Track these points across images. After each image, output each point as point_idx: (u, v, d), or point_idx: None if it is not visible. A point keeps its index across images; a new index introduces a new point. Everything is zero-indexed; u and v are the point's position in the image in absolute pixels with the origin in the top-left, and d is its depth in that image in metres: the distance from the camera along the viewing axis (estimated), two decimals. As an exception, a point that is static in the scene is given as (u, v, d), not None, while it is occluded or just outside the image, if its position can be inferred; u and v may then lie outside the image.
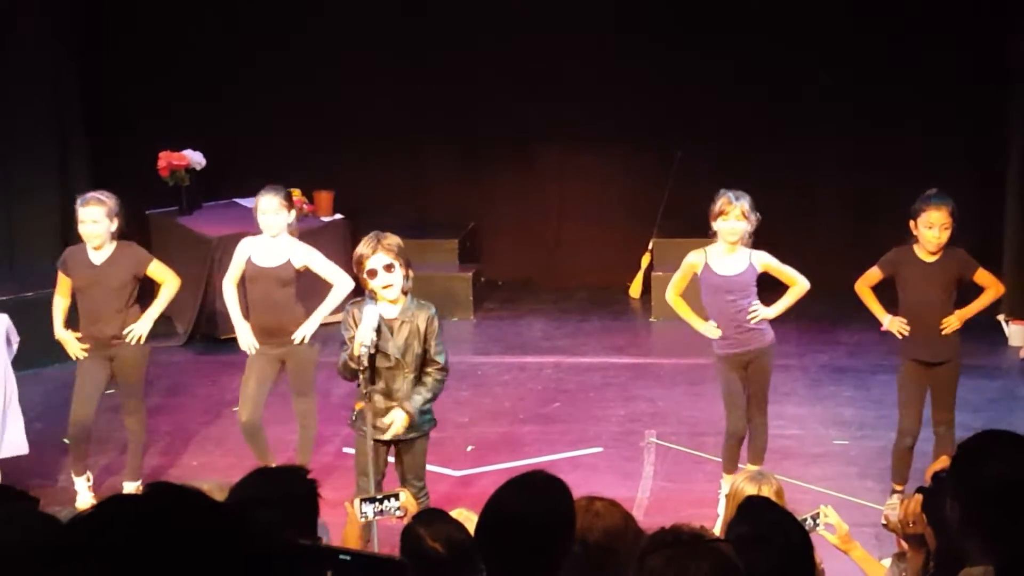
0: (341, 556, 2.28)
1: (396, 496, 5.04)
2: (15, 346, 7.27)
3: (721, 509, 6.64)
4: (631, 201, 11.34)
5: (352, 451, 6.68)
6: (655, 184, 11.05)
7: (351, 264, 6.30)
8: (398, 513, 4.94)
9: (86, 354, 7.18)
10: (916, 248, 6.91)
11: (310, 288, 7.41)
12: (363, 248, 6.17)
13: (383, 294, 6.14)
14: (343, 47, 11.18)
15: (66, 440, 7.77)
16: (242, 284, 7.40)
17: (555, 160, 11.53)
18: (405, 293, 6.22)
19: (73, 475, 7.39)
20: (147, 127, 10.83)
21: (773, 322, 7.08)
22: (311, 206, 10.47)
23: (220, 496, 3.57)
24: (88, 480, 7.41)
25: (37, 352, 8.54)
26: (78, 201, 7.14)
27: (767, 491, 4.71)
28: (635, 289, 11.08)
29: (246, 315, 7.23)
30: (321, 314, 7.17)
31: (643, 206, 11.13)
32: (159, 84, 11.06)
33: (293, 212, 7.24)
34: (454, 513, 4.12)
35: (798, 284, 7.06)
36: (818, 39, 10.77)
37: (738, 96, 10.92)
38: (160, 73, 11.09)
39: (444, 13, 11.11)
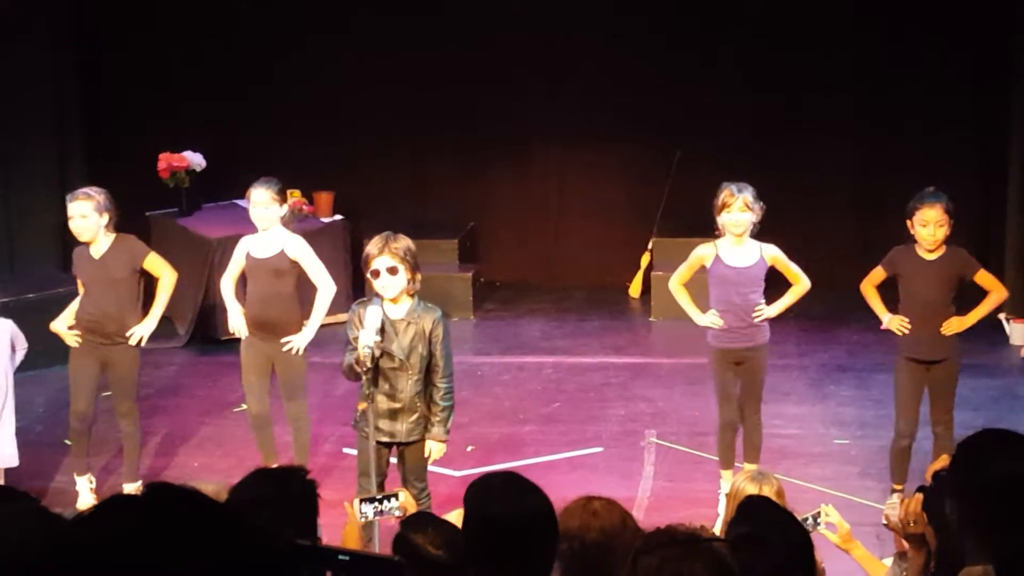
0: (340, 556, 2.28)
1: (395, 496, 5.04)
2: (21, 352, 7.26)
3: (721, 509, 6.64)
4: (631, 201, 11.34)
5: (352, 452, 6.69)
6: (655, 183, 11.04)
7: (351, 263, 6.32)
8: (397, 513, 4.94)
9: (79, 342, 7.19)
10: (917, 247, 6.92)
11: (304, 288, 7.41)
12: (372, 247, 6.17)
13: (383, 293, 6.14)
14: (343, 48, 11.18)
15: (67, 442, 7.77)
16: (243, 282, 7.41)
17: (554, 160, 11.54)
18: (412, 295, 6.21)
19: (75, 475, 7.39)
20: (147, 128, 10.83)
21: (773, 321, 7.09)
22: (311, 207, 10.47)
23: (220, 497, 3.57)
24: (91, 482, 7.41)
25: (38, 354, 8.51)
26: (68, 197, 7.15)
27: (767, 491, 4.71)
28: (635, 289, 11.08)
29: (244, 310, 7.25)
30: (314, 325, 7.18)
31: (642, 205, 11.13)
32: (159, 86, 11.06)
33: (286, 206, 7.24)
34: (454, 515, 4.12)
35: (800, 283, 7.07)
36: (820, 38, 10.78)
37: (738, 95, 10.92)
38: (160, 75, 11.09)
39: (444, 14, 11.11)
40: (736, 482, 5.00)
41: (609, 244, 11.35)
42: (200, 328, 10.15)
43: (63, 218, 7.28)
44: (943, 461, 4.48)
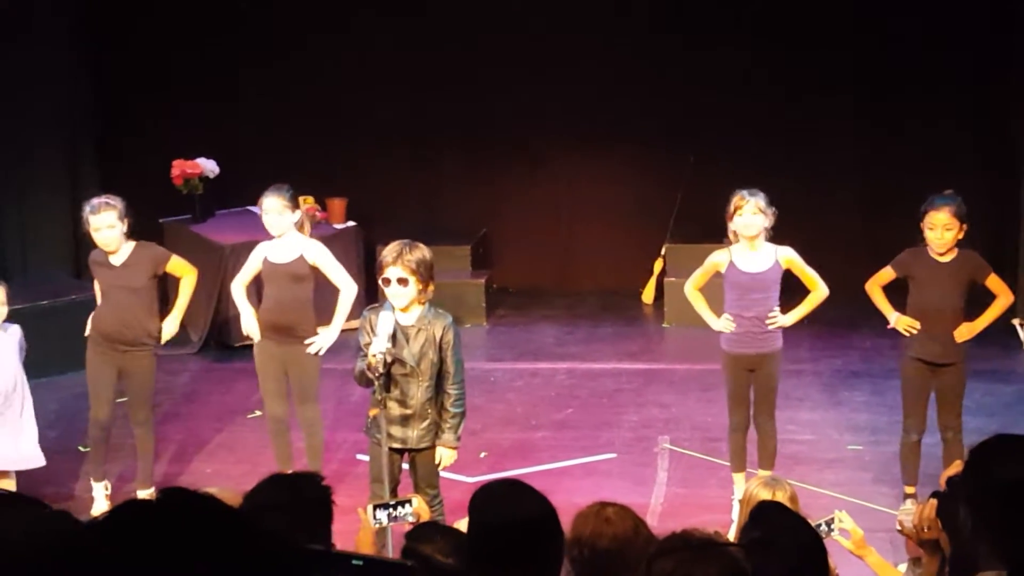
0: (353, 561, 2.29)
1: (409, 502, 5.04)
2: (23, 354, 7.29)
3: (735, 514, 6.62)
4: (643, 206, 11.34)
5: (365, 457, 6.69)
6: (667, 189, 11.04)
7: (364, 269, 6.33)
8: (411, 519, 4.94)
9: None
10: (928, 249, 6.91)
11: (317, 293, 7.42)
12: (387, 255, 6.13)
13: (392, 301, 6.14)
14: (355, 54, 11.21)
15: (82, 448, 7.79)
16: (255, 287, 7.42)
17: (567, 166, 11.54)
18: (423, 303, 6.21)
19: (92, 480, 7.41)
20: (160, 135, 10.86)
21: (789, 326, 7.07)
22: (324, 213, 10.49)
23: (234, 503, 3.58)
24: (107, 488, 7.42)
25: (51, 360, 8.56)
26: (86, 209, 7.12)
27: (781, 496, 4.71)
28: (648, 295, 11.07)
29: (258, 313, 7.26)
30: (337, 325, 7.17)
31: (655, 211, 11.13)
32: (172, 92, 11.10)
33: (299, 212, 7.22)
34: (463, 523, 4.12)
35: (818, 290, 7.05)
36: (828, 40, 10.78)
37: (750, 99, 10.92)
38: (172, 81, 11.12)
39: (455, 19, 11.13)
40: (749, 488, 4.99)
41: (622, 250, 11.34)
42: (213, 335, 10.18)
43: (76, 225, 7.29)
44: (956, 467, 4.47)
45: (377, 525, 5.00)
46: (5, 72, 10.16)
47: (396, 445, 6.21)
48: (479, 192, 11.57)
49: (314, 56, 11.21)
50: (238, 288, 7.34)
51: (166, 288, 7.48)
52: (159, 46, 11.11)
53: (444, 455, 6.29)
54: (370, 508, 5.00)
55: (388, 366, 6.01)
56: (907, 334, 6.99)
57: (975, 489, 2.59)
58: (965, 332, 6.90)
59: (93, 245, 7.26)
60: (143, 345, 7.23)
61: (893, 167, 10.86)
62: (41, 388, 7.37)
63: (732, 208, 6.87)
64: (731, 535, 5.73)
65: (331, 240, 9.65)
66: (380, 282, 6.17)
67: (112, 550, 1.70)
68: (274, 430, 7.33)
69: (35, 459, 7.15)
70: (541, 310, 11.08)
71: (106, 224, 7.05)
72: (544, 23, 11.09)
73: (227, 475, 7.73)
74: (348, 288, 7.21)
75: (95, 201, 7.14)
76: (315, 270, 7.20)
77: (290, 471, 6.89)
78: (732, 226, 6.91)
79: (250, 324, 7.22)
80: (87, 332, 7.28)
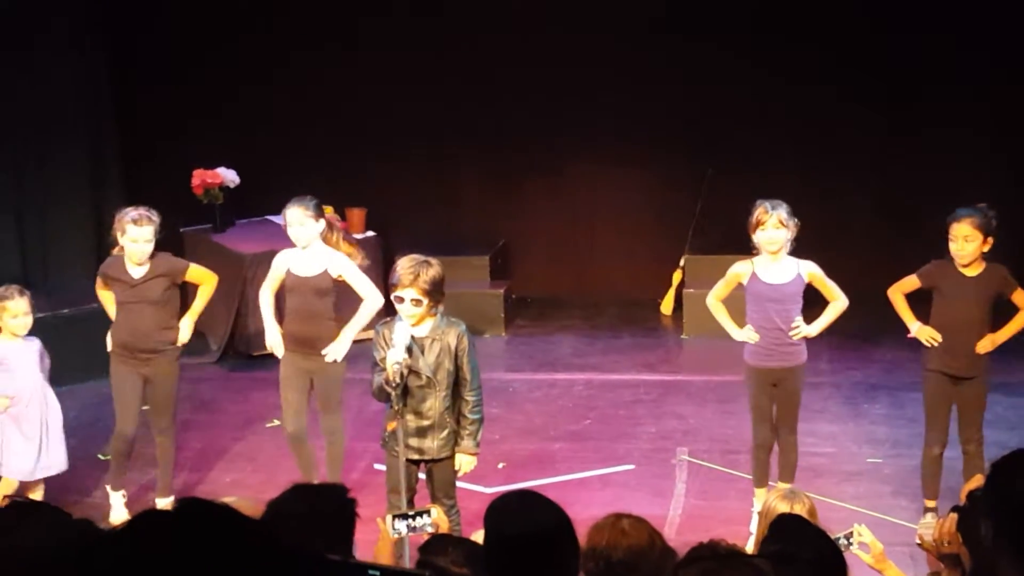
0: (370, 571, 2.29)
1: (428, 512, 5.04)
2: (45, 365, 7.30)
3: (754, 527, 6.60)
4: (662, 217, 11.33)
5: (383, 467, 6.69)
6: (686, 200, 11.04)
7: (383, 279, 6.33)
8: (430, 529, 4.95)
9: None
10: (955, 262, 6.87)
11: (340, 302, 7.42)
12: (403, 274, 6.08)
13: (403, 316, 6.14)
14: (375, 64, 11.24)
15: (101, 456, 7.81)
16: (280, 295, 7.43)
17: (586, 176, 11.55)
18: (434, 314, 6.21)
19: (109, 488, 7.42)
20: (181, 144, 10.90)
21: (807, 339, 7.04)
22: (343, 223, 10.50)
23: (254, 512, 3.58)
24: (124, 496, 7.44)
25: (71, 369, 8.58)
26: (127, 217, 7.06)
27: (799, 509, 4.69)
28: (666, 306, 11.06)
29: (281, 324, 7.26)
30: (352, 332, 7.18)
31: (674, 222, 11.12)
32: (193, 102, 11.14)
33: (323, 222, 7.19)
34: (479, 535, 4.12)
35: (838, 300, 7.02)
36: (852, 50, 10.76)
37: (770, 110, 10.92)
38: (194, 91, 11.16)
39: (476, 29, 11.15)
40: (768, 500, 4.98)
41: (640, 260, 11.34)
42: (233, 344, 10.20)
43: (97, 234, 7.30)
44: (977, 480, 4.45)
45: (396, 535, 5.00)
46: (27, 81, 10.23)
47: (414, 456, 6.21)
48: (498, 202, 11.58)
49: (334, 66, 11.24)
50: (267, 298, 7.31)
51: (186, 296, 7.48)
52: (181, 56, 11.16)
53: (464, 461, 6.29)
54: (389, 518, 5.00)
55: (405, 377, 6.01)
56: (928, 345, 6.96)
57: (996, 503, 2.57)
58: (987, 343, 6.87)
59: (111, 252, 7.26)
60: (164, 351, 7.23)
61: (916, 178, 10.83)
62: (61, 396, 7.39)
63: (755, 221, 6.84)
64: (749, 548, 5.71)
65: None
66: (393, 298, 6.17)
67: (130, 560, 1.70)
68: (293, 445, 7.32)
69: (58, 465, 7.17)
70: (560, 320, 11.07)
71: (144, 238, 7.04)
72: (565, 33, 11.10)
73: (246, 484, 7.75)
74: (373, 299, 7.18)
75: (138, 212, 7.08)
76: (339, 282, 7.19)
77: (314, 480, 6.92)
78: (755, 238, 6.89)
79: (274, 340, 7.21)
80: (109, 348, 7.29)
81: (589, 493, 7.54)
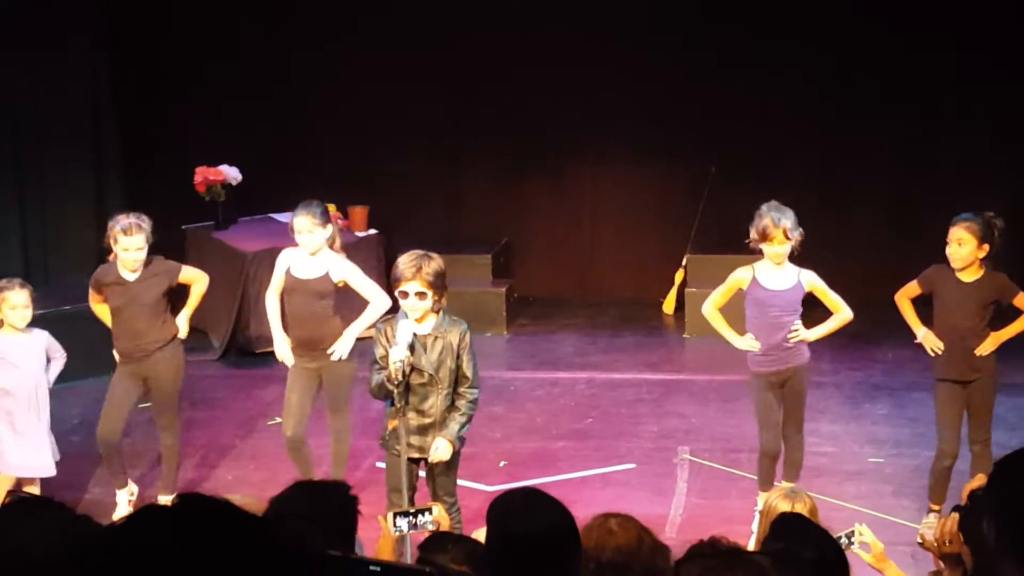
0: (371, 567, 2.29)
1: (429, 510, 5.05)
2: (60, 362, 7.29)
3: (755, 526, 6.60)
4: (664, 216, 11.33)
5: (384, 465, 6.68)
6: (689, 199, 11.03)
7: (385, 277, 6.32)
8: (431, 527, 4.95)
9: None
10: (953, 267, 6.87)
11: (343, 303, 7.41)
12: (405, 268, 6.10)
13: (408, 312, 6.14)
14: (377, 63, 11.23)
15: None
16: (282, 297, 7.43)
17: (588, 175, 11.54)
18: (437, 311, 6.21)
19: (115, 488, 7.42)
20: (182, 142, 10.91)
21: (812, 341, 7.02)
22: (345, 221, 10.51)
23: (257, 509, 3.58)
24: (131, 495, 7.43)
25: (73, 366, 8.56)
26: (118, 227, 7.03)
27: (800, 508, 4.69)
28: (668, 305, 11.05)
29: (286, 328, 7.25)
30: (356, 331, 7.16)
31: (676, 221, 11.12)
32: (194, 99, 11.14)
33: (331, 227, 7.18)
34: (480, 532, 4.12)
35: (842, 312, 6.99)
36: (857, 51, 10.75)
37: (773, 110, 10.91)
38: (196, 88, 11.17)
39: (478, 31, 11.14)
40: (769, 500, 4.97)
41: (643, 260, 11.34)
42: (235, 341, 10.20)
43: (98, 231, 7.29)
44: (979, 480, 4.45)
45: (397, 533, 5.00)
46: (30, 79, 10.23)
47: (415, 455, 6.20)
48: (501, 201, 11.58)
49: (336, 63, 11.24)
50: (273, 303, 7.27)
51: (175, 298, 7.47)
52: (183, 54, 11.16)
53: (441, 446, 6.14)
54: (391, 516, 5.01)
55: (407, 375, 6.01)
56: (932, 354, 6.95)
57: (999, 504, 2.57)
58: (990, 343, 6.85)
59: (106, 259, 7.25)
60: (164, 348, 7.23)
61: (922, 182, 10.83)
62: (63, 394, 7.40)
63: (762, 234, 6.78)
64: (751, 546, 5.70)
65: (352, 248, 9.68)
66: (397, 294, 6.17)
67: (130, 555, 1.70)
68: (291, 448, 7.29)
69: (47, 468, 7.15)
70: (562, 319, 11.07)
71: (136, 246, 7.03)
72: (567, 32, 11.09)
73: (248, 481, 7.75)
74: (380, 301, 7.11)
75: (128, 221, 7.04)
76: (340, 286, 7.18)
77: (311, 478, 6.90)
78: (761, 247, 6.86)
79: (284, 351, 7.20)
80: (117, 359, 7.28)
81: (590, 492, 7.54)
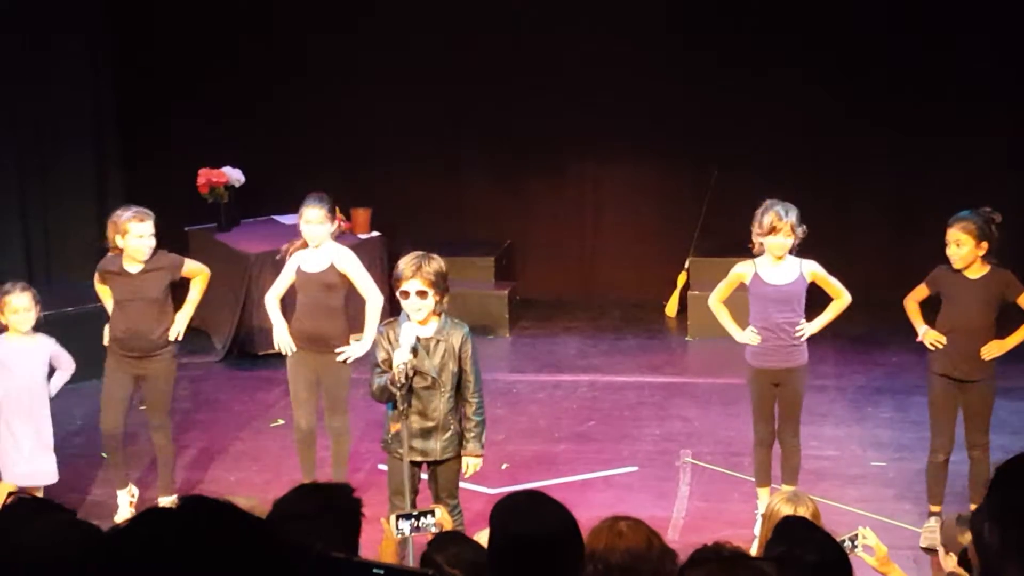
0: (374, 570, 2.29)
1: (432, 513, 5.05)
2: (68, 371, 7.27)
3: (758, 529, 6.59)
4: (667, 218, 11.33)
5: (386, 468, 6.69)
6: (692, 202, 11.03)
7: (387, 280, 6.34)
8: (434, 529, 4.95)
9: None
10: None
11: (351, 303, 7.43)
12: (405, 268, 6.13)
13: (410, 313, 6.14)
14: (379, 65, 11.24)
15: (104, 455, 7.81)
16: (289, 294, 7.44)
17: (591, 178, 11.55)
18: (439, 314, 6.21)
19: (116, 489, 7.43)
20: (185, 144, 10.91)
21: (811, 341, 7.03)
22: (348, 223, 10.51)
23: (260, 512, 3.58)
24: (132, 496, 7.44)
25: (76, 367, 8.58)
26: (126, 215, 7.06)
27: (803, 512, 4.69)
28: (671, 308, 11.05)
29: (290, 322, 7.28)
30: (369, 336, 7.16)
31: (679, 223, 11.12)
32: (198, 101, 11.15)
33: (336, 223, 7.30)
34: (483, 533, 4.11)
35: (841, 297, 7.01)
36: (859, 52, 10.75)
37: (776, 112, 10.90)
38: (198, 90, 11.18)
39: (480, 32, 11.15)
40: (772, 503, 4.97)
41: (645, 262, 11.34)
42: (238, 343, 10.20)
43: (100, 233, 7.29)
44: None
45: (400, 535, 5.00)
46: (32, 80, 10.24)
47: (418, 458, 6.20)
48: (503, 203, 11.58)
49: (340, 66, 11.25)
50: (272, 300, 7.32)
51: (178, 296, 7.48)
52: (185, 55, 11.17)
53: (471, 463, 6.29)
54: (393, 519, 5.01)
55: (410, 378, 6.00)
56: (932, 348, 6.95)
57: (1002, 509, 2.56)
58: (995, 349, 6.85)
59: (108, 252, 7.26)
60: (161, 351, 7.24)
61: (924, 182, 10.82)
62: (65, 394, 7.39)
63: (769, 227, 6.80)
64: (753, 550, 5.70)
65: (355, 250, 9.66)
66: (398, 294, 6.17)
67: (132, 559, 1.70)
68: (301, 440, 7.33)
69: (48, 475, 7.15)
70: (564, 322, 11.07)
71: (148, 232, 7.08)
72: (570, 34, 11.10)
73: (250, 483, 7.75)
74: (375, 298, 7.23)
75: (135, 210, 7.11)
76: (346, 278, 7.23)
77: (313, 481, 6.90)
78: (763, 240, 6.87)
79: (283, 338, 7.23)
80: (105, 342, 7.30)
81: (592, 494, 7.54)
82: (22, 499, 2.84)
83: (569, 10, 11.09)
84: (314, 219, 7.15)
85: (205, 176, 10.39)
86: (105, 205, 10.25)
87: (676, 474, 7.95)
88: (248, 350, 10.12)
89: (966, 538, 4.41)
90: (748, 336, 6.96)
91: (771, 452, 7.10)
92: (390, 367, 6.02)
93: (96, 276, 7.38)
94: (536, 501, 3.64)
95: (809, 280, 6.94)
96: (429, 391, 6.14)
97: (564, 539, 3.50)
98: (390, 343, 6.08)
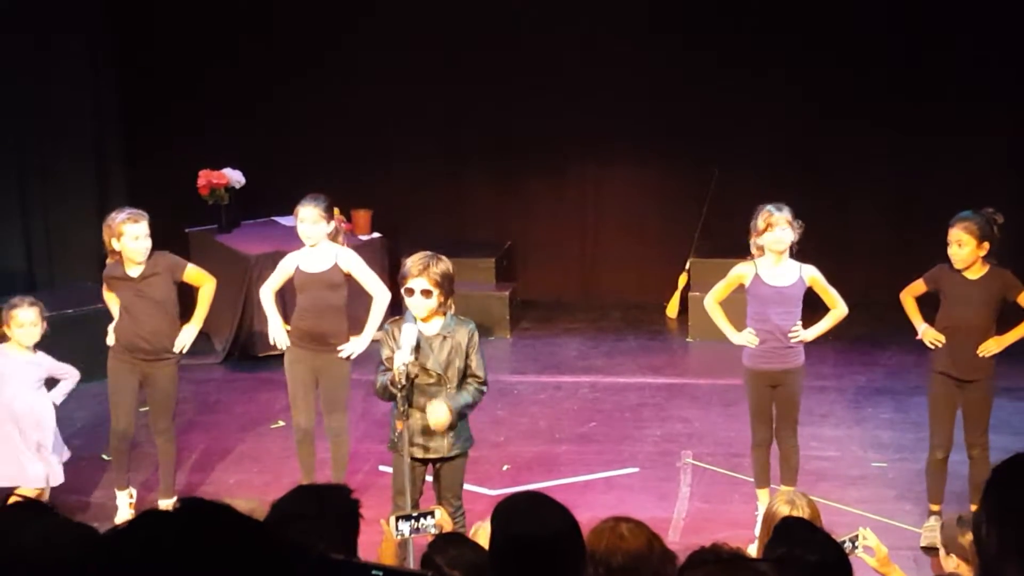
0: (372, 572, 2.29)
1: (432, 514, 5.04)
2: (70, 383, 7.28)
3: (758, 530, 6.59)
4: (667, 220, 11.33)
5: (388, 469, 6.69)
6: (692, 203, 11.03)
7: (389, 281, 6.34)
8: (433, 531, 4.94)
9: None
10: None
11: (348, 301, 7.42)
12: (412, 266, 6.13)
13: (413, 311, 6.13)
14: (380, 66, 11.24)
15: (105, 456, 7.82)
16: (283, 295, 7.43)
17: (592, 179, 11.55)
18: (443, 314, 6.20)
19: (116, 490, 7.43)
20: (186, 145, 10.91)
21: (810, 342, 7.04)
22: (349, 224, 10.51)
23: (256, 514, 3.58)
24: (131, 497, 7.44)
25: (77, 369, 8.58)
26: (120, 218, 7.08)
27: (802, 513, 4.68)
28: (672, 309, 11.05)
29: (285, 321, 7.28)
30: (369, 333, 7.17)
31: (679, 224, 11.12)
32: (198, 103, 11.15)
33: (333, 223, 7.26)
34: (483, 534, 4.12)
35: (838, 308, 7.01)
36: (858, 52, 10.75)
37: (776, 113, 10.90)
38: (199, 91, 11.18)
39: (480, 33, 11.16)
40: (771, 504, 4.97)
41: (646, 263, 11.34)
42: (238, 345, 10.20)
43: (101, 235, 7.29)
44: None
45: (400, 537, 5.00)
46: (32, 82, 10.24)
47: (420, 455, 6.17)
48: (504, 205, 11.59)
49: (340, 67, 11.25)
50: (267, 294, 7.33)
51: (186, 296, 7.48)
52: (186, 56, 11.18)
53: (440, 410, 6.01)
54: (393, 520, 5.00)
55: (411, 379, 6.00)
56: (932, 347, 6.96)
57: (1000, 510, 2.56)
58: (993, 346, 6.85)
59: (108, 256, 7.26)
60: (166, 355, 7.25)
61: (925, 182, 10.82)
62: (67, 396, 7.39)
63: (763, 225, 6.83)
64: (753, 551, 5.70)
65: (356, 251, 9.68)
66: (403, 291, 6.17)
67: (130, 560, 1.70)
68: (300, 440, 7.33)
69: (56, 476, 7.16)
70: (565, 323, 11.07)
71: (144, 233, 7.08)
72: (571, 36, 11.10)
73: (251, 485, 7.75)
74: (382, 295, 7.22)
75: (129, 210, 7.14)
76: (348, 278, 7.23)
77: (313, 482, 6.91)
78: (761, 241, 6.88)
79: (277, 332, 7.23)
80: (110, 342, 7.31)
81: (593, 496, 7.54)
82: (16, 502, 2.84)
83: (569, 10, 11.09)
84: (308, 218, 7.14)
85: (205, 177, 10.40)
86: (106, 206, 10.24)
87: (677, 475, 7.95)
88: (248, 351, 10.12)
89: (966, 539, 4.42)
90: (745, 338, 6.96)
91: (769, 453, 7.10)
92: (392, 365, 6.02)
93: (104, 285, 7.40)
94: (537, 502, 3.65)
95: (808, 284, 6.95)
96: (434, 387, 6.13)
97: (565, 540, 3.51)
98: (394, 340, 6.08)
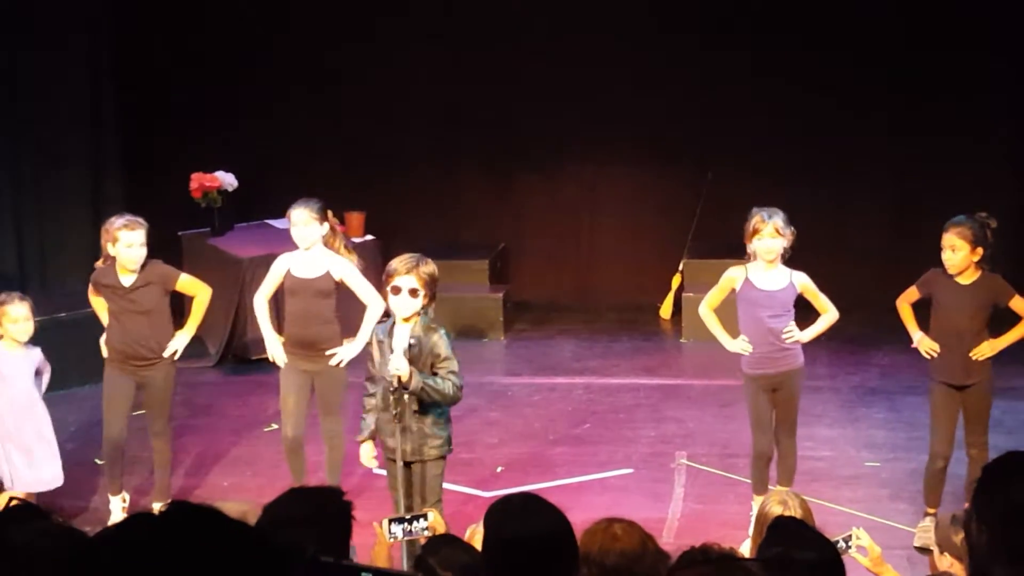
0: (363, 573, 2.29)
1: (424, 516, 5.04)
2: (46, 376, 7.29)
3: (752, 530, 6.59)
4: (662, 221, 11.33)
5: (383, 472, 6.68)
6: (686, 204, 11.04)
7: (382, 283, 6.28)
8: (426, 533, 4.94)
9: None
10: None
11: (339, 305, 7.41)
12: (400, 264, 6.11)
13: (396, 310, 6.10)
14: (374, 68, 11.24)
15: (98, 461, 7.81)
16: (276, 300, 7.42)
17: (586, 181, 11.55)
18: (418, 315, 6.15)
19: (109, 495, 7.42)
20: (179, 148, 10.91)
21: (806, 342, 7.04)
22: (343, 227, 10.48)
23: (247, 517, 3.58)
24: (124, 501, 7.43)
25: (70, 373, 8.57)
26: (117, 224, 7.06)
27: (795, 512, 4.68)
28: (666, 310, 11.06)
29: (279, 330, 7.26)
30: (363, 338, 7.11)
31: (674, 226, 11.12)
32: (192, 106, 11.15)
33: (326, 225, 7.20)
34: (477, 535, 4.11)
35: (829, 313, 7.01)
36: (852, 53, 10.75)
37: (772, 114, 10.91)
38: (193, 95, 11.17)
39: (474, 34, 11.16)
40: (764, 504, 4.97)
41: (640, 265, 11.34)
42: (231, 348, 10.20)
43: (95, 238, 7.28)
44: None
45: (392, 539, 4.99)
46: (28, 83, 10.23)
47: (403, 458, 6.16)
48: (497, 206, 11.58)
49: (333, 70, 11.25)
50: (261, 305, 7.26)
51: (180, 303, 7.47)
52: (181, 60, 11.17)
53: (402, 364, 5.89)
54: (385, 522, 5.00)
55: (402, 382, 5.98)
56: (928, 357, 6.95)
57: (989, 507, 2.57)
58: (986, 349, 6.85)
59: (102, 260, 7.25)
60: (160, 358, 7.23)
61: (920, 184, 10.82)
62: (59, 400, 7.40)
63: (752, 229, 6.83)
64: (746, 551, 5.70)
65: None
66: (388, 290, 6.14)
67: (116, 562, 1.70)
68: (289, 449, 7.30)
69: (53, 480, 7.16)
70: (559, 324, 11.07)
71: (138, 242, 7.05)
72: (566, 34, 11.10)
73: (244, 488, 7.74)
74: (375, 304, 7.13)
75: (126, 218, 7.10)
76: (340, 285, 7.19)
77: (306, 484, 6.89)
78: (751, 247, 6.89)
79: (275, 350, 7.19)
80: (104, 354, 7.28)
81: (588, 497, 7.53)
82: (17, 505, 2.84)
83: (568, 11, 11.09)
84: (299, 221, 7.11)
85: (198, 180, 10.39)
86: (100, 210, 10.23)
87: (671, 476, 7.95)
88: (242, 355, 10.11)
89: (960, 538, 4.42)
90: (740, 345, 6.95)
91: (769, 464, 7.07)
92: (381, 369, 6.01)
93: (90, 287, 7.37)
94: (530, 503, 3.65)
95: (799, 290, 6.94)
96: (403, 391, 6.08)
97: (558, 541, 3.51)
98: (379, 352, 6.06)
